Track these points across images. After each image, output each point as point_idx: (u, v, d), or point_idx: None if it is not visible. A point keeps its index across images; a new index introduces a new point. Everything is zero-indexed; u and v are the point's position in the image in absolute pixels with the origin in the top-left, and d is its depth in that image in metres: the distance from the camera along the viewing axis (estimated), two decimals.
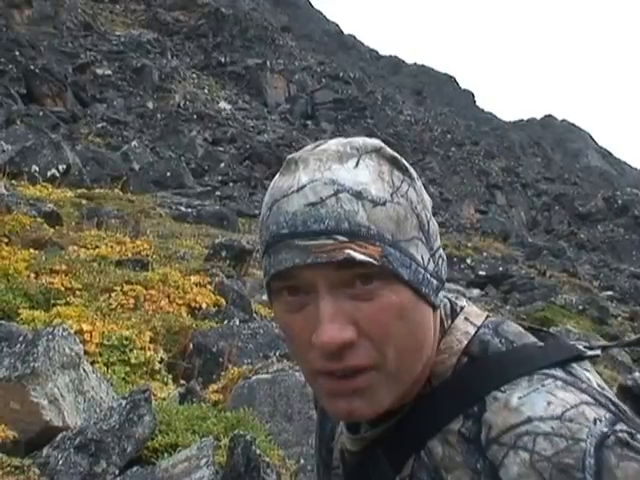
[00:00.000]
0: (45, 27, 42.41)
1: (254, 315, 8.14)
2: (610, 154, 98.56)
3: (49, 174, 17.02)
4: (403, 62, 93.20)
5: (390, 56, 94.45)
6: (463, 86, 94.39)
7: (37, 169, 16.98)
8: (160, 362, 6.16)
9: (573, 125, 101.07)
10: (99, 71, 40.06)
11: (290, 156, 1.05)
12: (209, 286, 8.34)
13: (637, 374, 1.29)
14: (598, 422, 0.95)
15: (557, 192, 55.11)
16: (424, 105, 72.31)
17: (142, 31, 51.63)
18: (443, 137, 59.33)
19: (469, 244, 26.02)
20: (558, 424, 0.95)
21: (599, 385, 1.04)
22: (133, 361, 5.92)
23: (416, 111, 64.99)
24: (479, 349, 1.08)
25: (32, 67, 32.95)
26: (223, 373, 6.17)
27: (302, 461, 4.97)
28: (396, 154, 1.07)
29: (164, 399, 5.56)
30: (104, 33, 47.58)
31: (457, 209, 44.78)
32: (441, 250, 1.08)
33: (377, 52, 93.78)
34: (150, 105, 38.93)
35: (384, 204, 1.00)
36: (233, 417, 4.97)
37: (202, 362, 6.52)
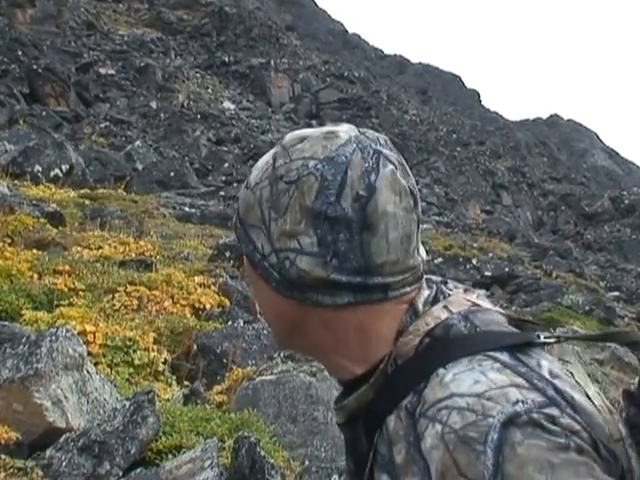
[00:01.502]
0: (48, 26, 42.45)
1: (258, 316, 8.10)
2: (617, 154, 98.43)
3: (52, 174, 17.03)
4: (408, 61, 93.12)
5: (395, 55, 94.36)
6: (469, 85, 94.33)
7: (40, 169, 16.99)
8: (164, 363, 6.15)
9: (579, 125, 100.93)
10: (102, 71, 40.06)
11: None
12: (213, 287, 8.33)
13: (617, 375, 1.27)
14: (520, 404, 0.99)
15: (563, 192, 55.03)
16: (429, 104, 72.27)
17: (145, 30, 51.65)
18: (448, 137, 59.28)
19: (475, 244, 25.97)
20: (475, 400, 1.00)
21: (551, 373, 1.07)
22: (137, 362, 5.91)
23: (421, 110, 64.94)
24: (442, 331, 1.13)
25: (35, 67, 32.96)
26: (227, 374, 6.16)
27: (307, 462, 4.95)
28: (283, 154, 1.17)
29: (168, 400, 5.55)
30: (107, 32, 47.61)
31: (463, 209, 44.72)
32: (291, 254, 1.14)
33: (382, 51, 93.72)
34: (154, 105, 38.94)
35: (247, 188, 1.20)
36: (237, 418, 4.95)
37: (206, 363, 6.50)
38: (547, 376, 1.06)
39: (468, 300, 1.20)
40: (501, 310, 1.21)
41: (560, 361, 1.14)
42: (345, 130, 1.19)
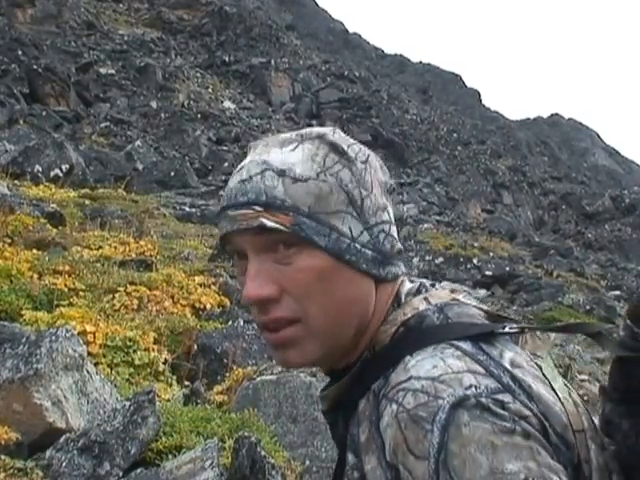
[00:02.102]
0: (48, 26, 42.46)
1: None
2: (617, 153, 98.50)
3: (52, 174, 17.03)
4: (409, 61, 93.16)
5: (395, 55, 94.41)
6: (469, 85, 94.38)
7: (40, 169, 16.99)
8: (164, 363, 6.15)
9: (580, 124, 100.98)
10: (102, 70, 40.07)
11: (250, 143, 1.27)
12: (213, 286, 8.33)
13: None
14: (473, 388, 1.04)
15: (564, 191, 55.05)
16: (430, 104, 72.28)
17: (145, 30, 51.69)
18: (449, 136, 59.30)
19: (475, 244, 25.97)
20: (429, 383, 1.05)
21: (513, 363, 1.12)
22: (137, 362, 5.90)
23: (422, 110, 64.95)
24: (416, 321, 1.19)
25: (35, 67, 32.96)
26: (227, 374, 6.15)
27: (307, 462, 4.95)
28: (341, 141, 1.22)
29: (168, 400, 5.54)
30: (107, 32, 47.62)
31: (463, 208, 44.73)
32: (385, 226, 1.22)
33: (382, 51, 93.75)
34: (154, 104, 38.94)
35: (306, 181, 1.16)
36: (238, 418, 4.95)
37: (206, 363, 6.50)
38: (507, 365, 1.11)
39: (449, 294, 1.25)
40: (482, 306, 1.27)
41: (532, 355, 1.19)
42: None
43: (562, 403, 1.13)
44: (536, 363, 1.17)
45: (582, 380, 8.45)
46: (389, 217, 1.23)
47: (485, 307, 1.27)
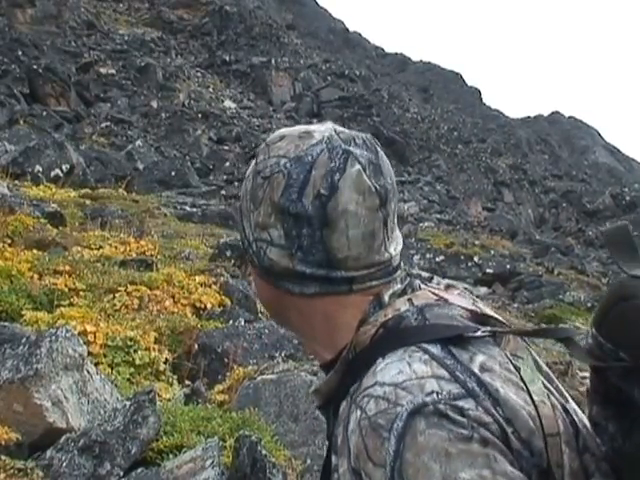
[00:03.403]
0: (48, 26, 42.46)
1: (259, 315, 8.09)
2: (618, 150, 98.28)
3: (53, 174, 17.03)
4: (409, 59, 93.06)
5: (396, 53, 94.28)
6: (470, 83, 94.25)
7: (40, 169, 16.99)
8: (165, 363, 6.15)
9: (580, 122, 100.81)
10: (103, 70, 40.08)
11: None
12: (214, 286, 8.32)
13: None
14: (434, 394, 1.05)
15: (565, 189, 55.02)
16: (430, 102, 72.22)
17: (146, 30, 51.70)
18: (450, 135, 59.27)
19: (476, 242, 25.94)
20: (391, 390, 1.06)
21: (483, 367, 1.11)
22: (138, 362, 5.90)
23: (422, 109, 64.90)
24: (394, 323, 1.19)
25: (35, 67, 32.96)
26: (228, 373, 6.15)
27: (309, 461, 4.95)
28: (269, 150, 1.27)
29: (169, 400, 5.54)
30: (107, 32, 47.63)
31: (464, 207, 44.70)
32: (262, 244, 1.25)
33: (383, 49, 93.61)
34: (154, 104, 38.94)
35: (247, 177, 1.29)
36: (238, 418, 4.94)
37: (207, 363, 6.50)
38: (475, 369, 1.11)
39: (435, 294, 1.26)
40: (469, 306, 1.26)
41: (513, 356, 1.19)
42: (321, 130, 1.27)
43: (536, 406, 1.12)
44: (515, 365, 1.17)
45: (583, 377, 8.41)
46: (269, 237, 1.24)
47: (474, 307, 1.27)
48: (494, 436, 1.04)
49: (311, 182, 1.19)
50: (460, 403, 1.04)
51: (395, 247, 1.27)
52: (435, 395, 1.04)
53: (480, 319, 1.23)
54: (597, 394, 1.21)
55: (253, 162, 1.29)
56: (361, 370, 1.16)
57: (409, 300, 1.23)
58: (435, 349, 1.12)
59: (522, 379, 1.15)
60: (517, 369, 1.16)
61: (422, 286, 1.28)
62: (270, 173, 1.23)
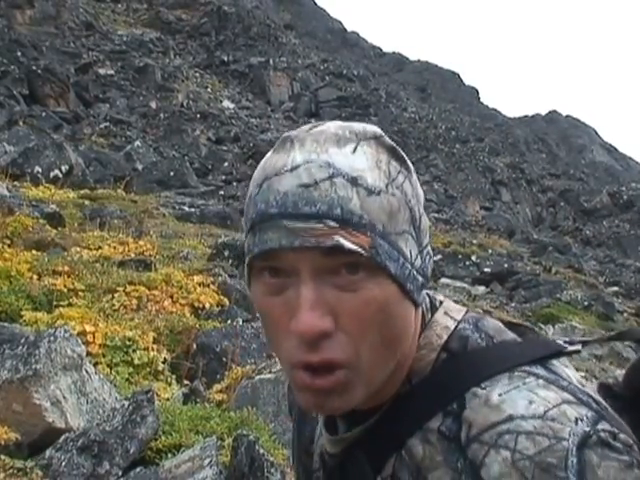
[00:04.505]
0: (47, 27, 42.46)
1: (257, 315, 8.11)
2: (615, 149, 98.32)
3: (52, 175, 17.04)
4: (407, 59, 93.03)
5: (394, 53, 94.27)
6: (467, 82, 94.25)
7: (40, 170, 17.00)
8: (163, 362, 6.15)
9: (578, 120, 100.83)
10: (101, 71, 40.10)
11: (286, 134, 1.02)
12: (212, 286, 8.33)
13: (618, 372, 1.26)
14: (579, 421, 0.94)
15: (562, 188, 55.02)
16: (428, 102, 72.21)
17: (144, 30, 51.67)
18: (447, 134, 59.25)
19: (474, 241, 25.96)
20: (540, 423, 0.94)
21: (579, 382, 1.03)
22: (136, 362, 5.91)
23: (420, 108, 64.89)
24: (458, 345, 1.06)
25: (34, 68, 32.95)
26: (227, 373, 6.16)
27: None
28: (394, 144, 1.04)
29: (168, 399, 5.55)
30: (106, 33, 47.61)
31: (462, 206, 44.67)
32: (429, 247, 1.05)
33: (380, 49, 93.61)
34: (153, 105, 38.93)
35: (379, 194, 0.96)
36: (237, 417, 4.96)
37: (206, 362, 6.51)
38: (580, 387, 1.01)
39: (455, 303, 1.15)
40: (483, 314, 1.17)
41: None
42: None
43: None
44: None
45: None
46: (430, 237, 1.07)
47: (493, 315, 1.20)
48: None
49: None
50: (605, 427, 0.95)
51: None
52: (582, 422, 0.94)
53: (510, 327, 1.13)
54: (628, 389, 1.15)
55: (384, 165, 1.00)
56: (437, 403, 1.02)
57: (446, 314, 1.10)
58: (542, 371, 1.01)
59: None
60: None
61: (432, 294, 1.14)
62: (410, 167, 1.06)
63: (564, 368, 1.04)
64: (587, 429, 0.93)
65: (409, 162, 1.04)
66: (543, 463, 0.91)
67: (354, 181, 0.95)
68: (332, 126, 1.02)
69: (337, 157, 0.96)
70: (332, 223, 0.93)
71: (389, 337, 0.99)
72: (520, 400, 0.96)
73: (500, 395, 0.97)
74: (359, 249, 0.93)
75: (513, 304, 17.87)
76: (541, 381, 0.99)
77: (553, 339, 1.11)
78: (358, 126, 1.03)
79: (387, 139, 1.03)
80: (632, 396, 1.14)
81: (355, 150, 0.98)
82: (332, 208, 0.93)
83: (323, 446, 1.16)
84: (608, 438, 0.93)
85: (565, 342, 1.09)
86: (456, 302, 1.19)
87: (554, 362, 1.04)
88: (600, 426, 0.94)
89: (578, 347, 1.10)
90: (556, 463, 0.91)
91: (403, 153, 1.04)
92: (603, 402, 1.00)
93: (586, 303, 18.56)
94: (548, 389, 0.98)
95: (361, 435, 1.08)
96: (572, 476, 0.90)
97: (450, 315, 1.09)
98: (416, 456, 1.02)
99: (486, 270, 21.57)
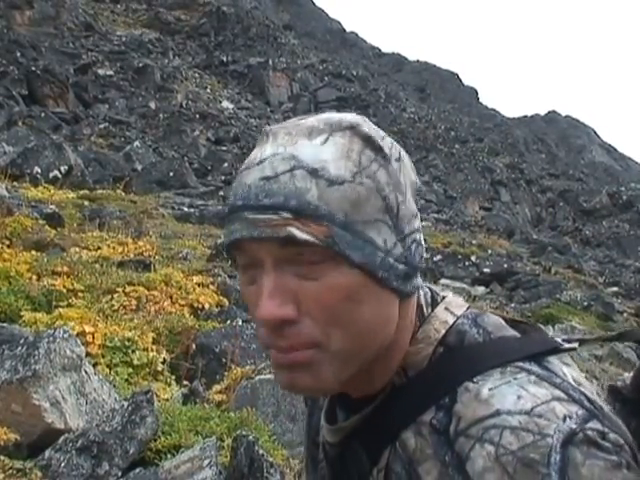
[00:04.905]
0: (46, 28, 42.47)
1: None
2: (614, 149, 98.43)
3: (51, 175, 17.04)
4: (406, 59, 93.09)
5: (393, 53, 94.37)
6: (466, 83, 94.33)
7: (39, 170, 17.00)
8: (163, 363, 6.15)
9: (577, 121, 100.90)
10: (101, 71, 40.10)
11: (267, 127, 1.04)
12: (212, 286, 8.33)
13: (626, 374, 1.26)
14: (568, 419, 0.94)
15: (561, 188, 55.06)
16: (427, 102, 72.25)
17: (144, 31, 51.70)
18: (447, 134, 59.27)
19: (473, 241, 25.95)
20: (526, 419, 0.94)
21: (575, 380, 1.02)
22: (136, 362, 5.91)
23: (419, 108, 64.92)
24: (455, 339, 1.06)
25: (33, 68, 32.98)
26: (226, 373, 6.16)
27: None
28: (373, 133, 1.04)
29: (167, 400, 5.55)
30: (105, 33, 47.63)
31: (461, 206, 44.73)
32: (417, 235, 1.05)
33: (379, 49, 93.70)
34: (152, 105, 38.94)
35: (342, 183, 0.97)
36: (236, 417, 4.95)
37: (205, 363, 6.50)
38: (574, 385, 1.01)
39: (459, 298, 1.14)
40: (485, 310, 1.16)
41: (562, 363, 1.08)
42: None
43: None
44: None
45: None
46: (419, 224, 1.07)
47: (495, 312, 1.17)
48: (631, 458, 0.96)
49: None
50: (595, 426, 0.95)
51: None
52: (569, 420, 0.94)
53: (512, 324, 1.12)
54: (636, 392, 1.15)
55: (356, 155, 1.00)
56: (431, 397, 1.03)
57: (447, 309, 1.10)
58: (535, 367, 1.01)
59: None
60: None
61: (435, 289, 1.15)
62: (399, 154, 1.06)
63: (562, 366, 1.04)
64: (574, 427, 0.93)
65: (390, 150, 1.04)
66: (525, 458, 0.92)
67: (314, 172, 0.97)
68: (312, 119, 1.04)
69: (303, 149, 0.98)
70: (286, 214, 0.95)
71: (360, 324, 1.00)
72: (509, 395, 0.96)
73: (490, 389, 0.98)
74: (313, 239, 0.95)
75: (513, 304, 17.84)
76: (533, 377, 0.99)
77: (552, 336, 1.10)
78: (336, 117, 1.04)
79: (364, 128, 1.03)
80: (635, 399, 1.13)
81: (326, 141, 1.00)
82: (288, 200, 0.95)
83: (324, 436, 1.18)
84: (596, 437, 0.93)
85: (564, 340, 1.09)
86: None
87: (551, 359, 1.04)
88: (589, 425, 0.94)
89: (575, 345, 1.09)
90: (538, 459, 0.91)
91: (382, 142, 1.04)
92: (599, 401, 1.00)
93: (586, 303, 18.55)
94: (539, 385, 0.98)
95: (358, 425, 1.09)
96: (554, 473, 0.91)
97: (450, 310, 1.10)
98: (409, 448, 1.02)
99: (486, 270, 21.55)
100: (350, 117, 1.05)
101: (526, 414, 0.94)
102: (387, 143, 1.05)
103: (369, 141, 1.02)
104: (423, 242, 1.07)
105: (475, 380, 1.00)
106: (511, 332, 1.08)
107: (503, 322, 1.10)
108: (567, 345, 1.08)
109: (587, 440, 0.93)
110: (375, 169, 1.01)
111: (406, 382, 1.07)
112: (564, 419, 0.94)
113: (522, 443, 0.92)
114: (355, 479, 1.11)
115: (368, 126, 1.05)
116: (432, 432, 1.00)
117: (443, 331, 1.07)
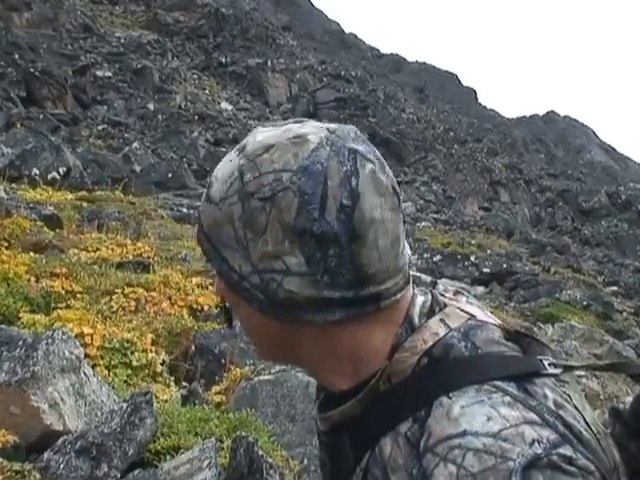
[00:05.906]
0: (44, 29, 42.41)
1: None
2: (613, 149, 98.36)
3: (50, 177, 17.03)
4: (404, 60, 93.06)
5: (391, 54, 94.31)
6: (465, 83, 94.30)
7: (37, 172, 16.99)
8: (162, 364, 6.15)
9: (576, 121, 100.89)
10: (99, 73, 40.06)
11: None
12: (211, 287, 8.32)
13: (628, 398, 1.25)
14: (536, 443, 0.95)
15: (560, 188, 55.04)
16: (426, 103, 72.22)
17: (142, 32, 51.64)
18: (446, 135, 59.26)
19: (473, 241, 26.00)
20: (491, 441, 0.95)
21: (556, 404, 1.02)
22: (135, 364, 5.90)
23: (418, 109, 64.91)
24: (441, 352, 1.07)
25: (32, 70, 32.94)
26: (225, 374, 6.16)
27: (306, 461, 4.95)
28: (257, 164, 1.07)
29: (166, 401, 5.54)
30: (104, 35, 47.58)
31: (460, 206, 44.71)
32: (276, 275, 1.06)
33: (378, 50, 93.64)
34: (151, 106, 38.92)
35: (210, 203, 1.09)
36: (236, 418, 4.95)
37: (204, 364, 6.50)
38: (553, 408, 1.01)
39: (464, 311, 1.14)
40: (496, 321, 1.16)
41: (558, 382, 1.09)
42: (313, 132, 1.08)
43: (598, 440, 1.04)
44: (565, 392, 1.07)
45: (579, 376, 8.44)
46: (285, 266, 1.04)
47: (501, 323, 1.16)
48: None
49: (330, 194, 1.02)
50: (562, 451, 0.95)
51: (407, 246, 1.14)
52: (537, 444, 0.95)
53: (513, 337, 1.12)
54: (635, 419, 1.15)
55: (231, 180, 1.06)
56: (409, 407, 1.04)
57: (442, 321, 1.10)
58: (512, 388, 1.01)
59: (576, 407, 1.06)
60: (568, 396, 1.07)
61: (445, 300, 1.16)
62: (272, 193, 1.03)
63: (544, 388, 1.04)
64: (539, 452, 0.94)
65: (256, 188, 1.05)
66: None
67: (209, 185, 1.11)
68: (270, 125, 1.14)
69: (221, 162, 1.11)
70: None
71: (242, 323, 1.18)
72: (479, 416, 0.98)
73: (462, 407, 0.99)
74: (198, 233, 1.14)
75: (512, 304, 17.85)
76: (507, 398, 1.00)
77: (539, 359, 1.09)
78: (257, 137, 1.09)
79: (249, 154, 1.08)
80: (638, 426, 1.13)
81: (231, 160, 1.09)
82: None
83: (318, 424, 1.23)
84: (560, 462, 0.94)
85: (550, 363, 1.09)
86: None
87: (534, 380, 1.04)
88: (559, 450, 0.95)
89: (557, 371, 1.09)
90: None
91: (254, 176, 1.05)
92: (577, 426, 1.00)
93: (585, 303, 18.55)
94: (512, 407, 0.99)
95: (344, 421, 1.13)
96: None
97: (445, 322, 1.10)
98: (385, 455, 1.05)
99: (485, 270, 21.56)
100: (259, 140, 1.08)
101: (492, 437, 0.95)
102: (264, 179, 1.04)
103: (241, 172, 1.07)
104: (291, 287, 1.05)
105: (450, 395, 1.01)
106: (502, 348, 1.09)
107: (498, 336, 1.11)
108: (550, 370, 1.08)
109: (551, 465, 0.93)
110: (232, 202, 1.06)
111: (390, 389, 1.08)
112: (532, 443, 0.95)
113: (483, 466, 0.93)
114: (344, 471, 1.14)
115: (275, 153, 1.06)
116: (406, 443, 1.02)
117: (431, 342, 1.08)
